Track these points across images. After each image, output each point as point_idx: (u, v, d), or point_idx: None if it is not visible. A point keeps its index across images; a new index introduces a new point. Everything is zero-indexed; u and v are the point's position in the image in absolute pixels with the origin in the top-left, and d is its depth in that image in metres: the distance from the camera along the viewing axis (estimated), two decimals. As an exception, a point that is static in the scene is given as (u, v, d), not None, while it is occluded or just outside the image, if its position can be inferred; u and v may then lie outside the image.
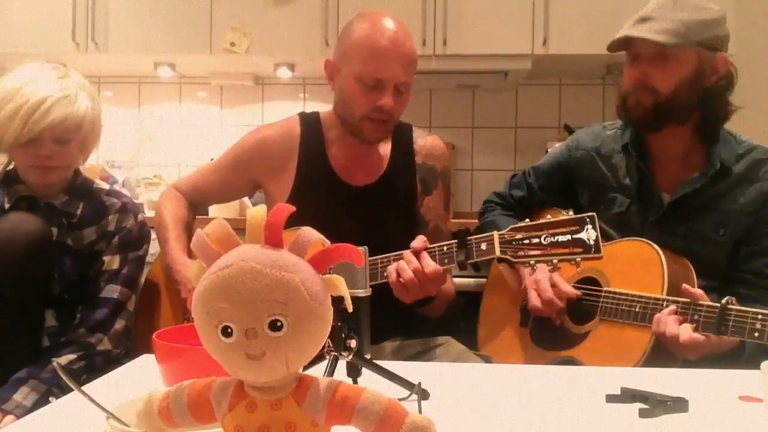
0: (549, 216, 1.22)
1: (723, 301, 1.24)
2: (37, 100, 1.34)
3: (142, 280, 1.68)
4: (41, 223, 1.37)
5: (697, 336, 1.24)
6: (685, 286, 1.30)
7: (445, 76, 2.98)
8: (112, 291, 1.46)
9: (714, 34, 1.41)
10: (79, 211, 1.47)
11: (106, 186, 1.56)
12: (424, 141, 1.63)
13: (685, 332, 1.25)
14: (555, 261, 1.19)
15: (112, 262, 1.48)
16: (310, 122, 1.62)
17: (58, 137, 1.38)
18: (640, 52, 1.44)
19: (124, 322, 1.47)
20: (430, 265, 1.29)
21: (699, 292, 1.28)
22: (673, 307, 1.30)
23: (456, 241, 1.30)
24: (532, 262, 1.21)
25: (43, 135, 1.36)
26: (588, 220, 1.17)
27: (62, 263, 1.43)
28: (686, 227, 1.49)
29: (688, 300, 1.30)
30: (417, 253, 1.31)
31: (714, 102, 1.47)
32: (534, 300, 1.47)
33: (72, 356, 1.36)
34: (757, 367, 0.92)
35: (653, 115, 1.45)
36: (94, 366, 1.38)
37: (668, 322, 1.28)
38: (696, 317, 1.27)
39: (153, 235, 1.63)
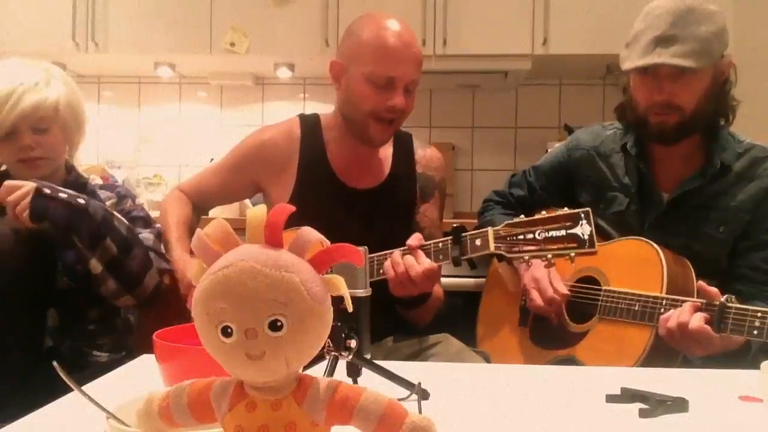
0: (544, 213, 1.22)
1: (722, 299, 1.24)
2: (5, 92, 1.35)
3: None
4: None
5: (708, 327, 1.23)
6: (700, 283, 1.30)
7: (445, 76, 2.98)
8: (145, 239, 1.47)
9: (725, 41, 1.41)
10: None
11: (99, 181, 1.56)
12: (424, 152, 1.65)
13: (696, 321, 1.24)
14: (549, 256, 1.20)
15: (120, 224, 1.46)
16: (309, 124, 1.62)
17: (35, 125, 1.39)
18: (661, 72, 1.40)
19: (158, 279, 1.48)
20: (424, 262, 1.30)
21: (715, 290, 1.27)
22: (697, 302, 1.28)
23: (451, 237, 1.31)
24: (527, 257, 1.22)
25: (19, 126, 1.37)
26: (583, 215, 1.17)
27: (65, 256, 1.43)
28: (686, 225, 1.49)
29: (688, 298, 1.30)
30: (413, 251, 1.32)
31: (719, 103, 1.48)
32: (536, 299, 1.47)
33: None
34: (757, 366, 0.92)
35: (676, 131, 1.45)
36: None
37: (683, 310, 1.26)
38: None
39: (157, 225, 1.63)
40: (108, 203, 1.49)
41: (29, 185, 1.29)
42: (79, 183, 1.52)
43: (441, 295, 1.57)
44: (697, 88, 1.42)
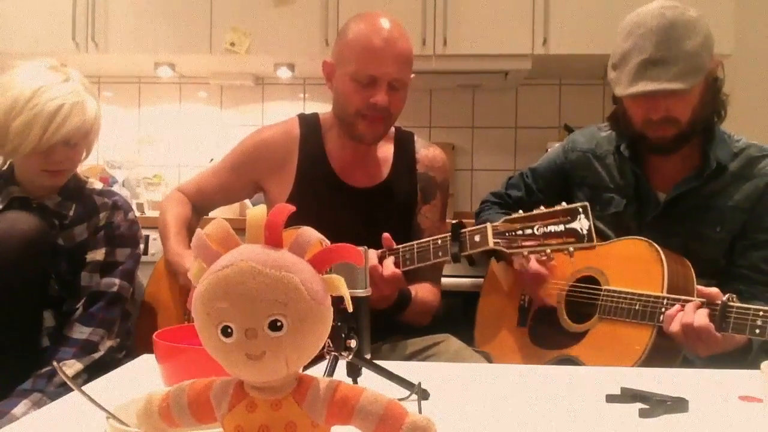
0: (543, 208, 1.23)
1: (724, 298, 1.24)
2: (52, 109, 1.34)
3: (144, 282, 1.68)
4: (37, 222, 1.36)
5: (711, 324, 1.23)
6: (698, 287, 1.30)
7: (445, 76, 2.98)
8: (111, 285, 1.45)
9: (712, 46, 1.40)
10: (71, 213, 1.47)
11: (99, 185, 1.56)
12: (427, 151, 1.64)
13: (700, 318, 1.24)
14: (548, 251, 1.20)
15: (96, 254, 1.46)
16: (309, 123, 1.62)
17: (70, 141, 1.40)
18: (654, 94, 1.38)
19: (121, 316, 1.47)
20: (389, 266, 1.32)
21: (715, 291, 1.27)
22: (697, 301, 1.28)
23: (450, 233, 1.31)
24: (525, 252, 1.22)
25: (58, 141, 1.37)
26: (581, 210, 1.18)
27: (57, 264, 1.43)
28: (683, 226, 1.49)
29: (689, 298, 1.30)
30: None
31: (713, 104, 1.47)
32: (535, 288, 1.51)
33: (78, 366, 1.35)
34: (757, 366, 0.92)
35: (675, 142, 1.45)
36: (100, 370, 1.36)
37: (687, 311, 1.26)
38: None
39: (155, 236, 1.62)
40: (102, 214, 1.49)
41: None
42: (77, 187, 1.51)
43: (430, 299, 1.56)
44: (693, 99, 1.41)
